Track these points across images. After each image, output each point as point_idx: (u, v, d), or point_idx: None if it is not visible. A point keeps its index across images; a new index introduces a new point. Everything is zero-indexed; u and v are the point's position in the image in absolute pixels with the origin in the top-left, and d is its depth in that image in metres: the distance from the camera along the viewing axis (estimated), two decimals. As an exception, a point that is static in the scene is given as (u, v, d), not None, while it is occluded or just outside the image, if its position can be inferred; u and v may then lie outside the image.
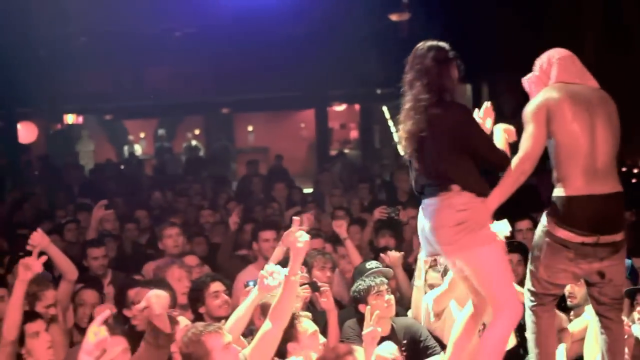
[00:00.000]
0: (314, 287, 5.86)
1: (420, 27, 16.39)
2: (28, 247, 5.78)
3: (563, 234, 4.61)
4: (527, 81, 4.97)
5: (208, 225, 9.70)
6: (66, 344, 6.00)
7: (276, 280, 4.75)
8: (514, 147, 4.83)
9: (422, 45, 4.79)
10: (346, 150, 23.38)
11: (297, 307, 5.24)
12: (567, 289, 5.80)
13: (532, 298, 4.85)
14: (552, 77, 4.83)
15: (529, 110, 4.75)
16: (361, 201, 10.43)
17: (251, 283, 5.39)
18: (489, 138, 4.75)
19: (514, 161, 4.65)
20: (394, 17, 16.35)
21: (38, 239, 5.85)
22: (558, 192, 4.68)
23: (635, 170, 12.75)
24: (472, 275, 4.72)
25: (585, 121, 4.63)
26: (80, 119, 22.34)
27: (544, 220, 4.75)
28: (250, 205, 10.88)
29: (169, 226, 7.71)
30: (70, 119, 21.29)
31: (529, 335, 4.92)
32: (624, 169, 13.02)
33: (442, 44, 4.82)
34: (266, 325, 4.63)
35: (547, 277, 4.74)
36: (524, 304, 4.83)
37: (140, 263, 7.89)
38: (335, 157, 19.91)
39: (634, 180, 12.50)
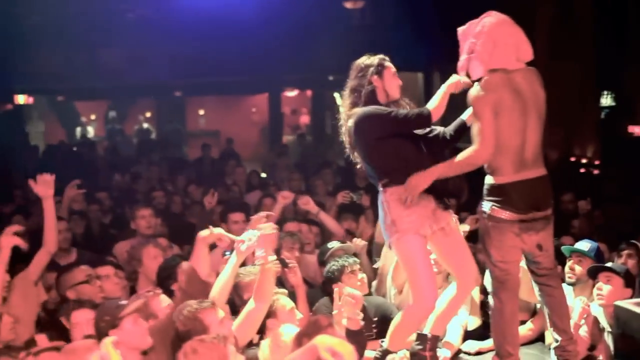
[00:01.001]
0: (283, 263, 6.04)
1: (373, 16, 16.60)
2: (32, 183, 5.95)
3: (504, 215, 4.93)
4: (464, 58, 5.09)
5: (162, 206, 9.78)
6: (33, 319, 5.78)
7: (248, 245, 5.06)
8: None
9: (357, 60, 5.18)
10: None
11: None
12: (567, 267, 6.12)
13: (494, 284, 5.13)
14: (492, 58, 4.97)
15: (478, 98, 4.90)
16: (325, 186, 10.58)
17: (228, 253, 5.62)
18: (393, 116, 4.96)
19: (470, 150, 4.89)
20: (348, 5, 16.51)
21: (49, 179, 5.97)
22: (492, 180, 4.98)
23: (584, 161, 13.14)
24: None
25: (520, 122, 4.90)
26: (31, 100, 22.05)
27: (483, 208, 5.04)
28: (209, 187, 10.95)
29: (142, 207, 7.78)
30: (21, 99, 21.00)
31: (492, 320, 5.20)
32: (572, 159, 13.42)
33: (372, 59, 5.16)
34: (250, 304, 4.88)
35: (501, 257, 5.02)
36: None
37: (107, 243, 7.97)
38: (284, 143, 19.97)
39: (582, 170, 12.91)
